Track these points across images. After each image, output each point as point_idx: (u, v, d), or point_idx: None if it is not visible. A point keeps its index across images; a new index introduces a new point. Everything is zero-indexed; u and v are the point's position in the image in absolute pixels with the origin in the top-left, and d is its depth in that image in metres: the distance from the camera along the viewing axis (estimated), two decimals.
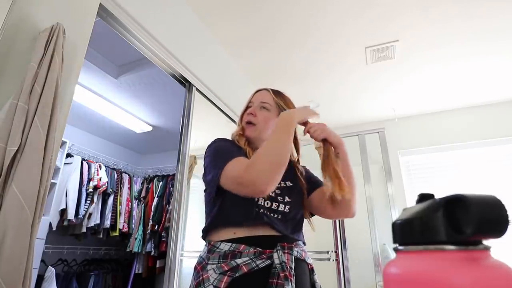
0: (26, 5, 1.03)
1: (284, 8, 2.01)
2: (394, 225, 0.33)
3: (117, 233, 3.25)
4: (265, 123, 0.98)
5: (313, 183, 1.01)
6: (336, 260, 2.07)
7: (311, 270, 0.88)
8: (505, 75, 2.66)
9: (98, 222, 3.06)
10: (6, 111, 0.87)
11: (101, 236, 3.16)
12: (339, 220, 2.18)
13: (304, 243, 0.93)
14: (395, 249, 0.32)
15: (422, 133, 3.30)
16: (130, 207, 3.49)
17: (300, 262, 0.83)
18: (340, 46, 2.36)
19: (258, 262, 0.76)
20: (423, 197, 0.33)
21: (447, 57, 2.44)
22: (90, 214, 3.00)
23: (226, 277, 0.73)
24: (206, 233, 0.88)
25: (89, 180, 3.07)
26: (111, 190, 3.26)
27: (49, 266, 2.70)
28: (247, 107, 1.04)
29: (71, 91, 1.16)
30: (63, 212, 2.80)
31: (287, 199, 0.90)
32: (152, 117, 3.38)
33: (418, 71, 2.63)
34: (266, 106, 1.00)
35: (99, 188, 3.09)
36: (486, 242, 0.28)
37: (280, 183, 0.91)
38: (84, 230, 2.96)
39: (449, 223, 0.28)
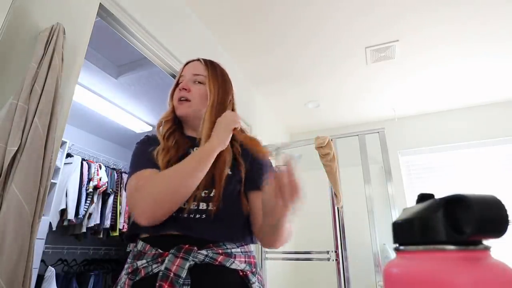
0: (26, 5, 1.03)
1: (283, 7, 2.01)
2: (394, 225, 0.33)
3: (117, 233, 3.24)
4: (201, 98, 0.83)
5: (251, 179, 0.80)
6: (336, 260, 2.07)
7: (245, 278, 0.69)
8: (504, 76, 2.66)
9: (98, 222, 3.05)
10: (6, 111, 0.87)
11: (101, 236, 3.16)
12: (339, 220, 2.18)
13: (243, 244, 0.74)
14: (395, 249, 0.32)
15: (422, 133, 3.30)
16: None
17: (214, 268, 0.66)
18: (340, 47, 2.36)
19: (154, 266, 0.65)
20: (423, 197, 0.33)
21: (447, 57, 2.44)
22: (90, 214, 3.00)
23: (127, 279, 0.67)
24: (130, 232, 0.78)
25: (89, 180, 3.07)
26: (111, 190, 3.26)
27: (49, 266, 2.70)
28: (177, 83, 0.88)
29: (71, 91, 1.16)
30: (63, 212, 2.80)
31: (213, 193, 0.74)
32: (152, 117, 3.38)
33: (418, 71, 2.63)
34: (200, 79, 0.85)
35: (99, 188, 3.09)
36: (486, 242, 0.28)
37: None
38: (84, 230, 2.96)
39: (449, 223, 0.28)
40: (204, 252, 0.66)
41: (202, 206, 0.72)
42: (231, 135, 0.76)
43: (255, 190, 0.79)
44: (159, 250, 0.67)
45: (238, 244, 0.73)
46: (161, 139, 0.81)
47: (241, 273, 0.69)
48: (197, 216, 0.71)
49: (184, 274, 0.62)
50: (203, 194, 0.73)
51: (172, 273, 0.62)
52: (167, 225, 0.69)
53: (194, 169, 0.69)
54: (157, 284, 0.61)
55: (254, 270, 0.72)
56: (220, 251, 0.68)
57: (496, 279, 0.26)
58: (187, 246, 0.66)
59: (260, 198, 0.76)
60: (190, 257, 0.65)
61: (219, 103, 0.83)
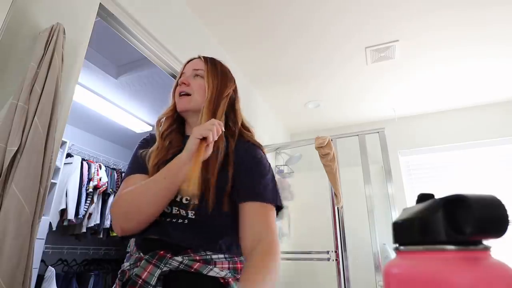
0: (26, 5, 1.03)
1: (284, 9, 2.01)
2: (394, 225, 0.33)
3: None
4: (201, 92, 0.81)
5: (244, 189, 0.73)
6: (336, 260, 2.07)
7: (226, 286, 0.66)
8: (504, 76, 2.66)
9: (98, 222, 3.06)
10: (6, 111, 0.87)
11: (101, 236, 3.16)
12: (339, 220, 2.18)
13: (226, 250, 0.70)
14: (395, 249, 0.32)
15: (422, 133, 3.30)
16: None
17: (189, 276, 0.64)
18: (340, 47, 2.36)
19: (135, 269, 0.65)
20: (423, 197, 0.33)
21: (447, 58, 2.44)
22: (90, 214, 3.00)
23: (118, 280, 0.69)
24: None
25: (89, 180, 3.07)
26: (111, 190, 3.26)
27: (49, 266, 2.70)
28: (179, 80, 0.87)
29: (71, 91, 1.16)
30: (63, 212, 2.80)
31: (194, 201, 0.70)
32: (152, 117, 3.38)
33: (418, 71, 2.63)
34: (200, 73, 0.84)
35: (99, 188, 3.09)
36: (486, 242, 0.28)
37: None
38: (84, 230, 2.96)
39: (449, 223, 0.27)
40: (179, 258, 0.64)
41: (183, 212, 0.70)
42: (197, 146, 0.67)
43: (247, 202, 0.71)
44: (141, 253, 0.67)
45: (221, 251, 0.69)
46: (158, 137, 0.80)
47: (222, 281, 0.66)
48: (179, 221, 0.70)
49: (153, 282, 0.61)
50: (184, 200, 0.70)
51: (141, 280, 0.62)
52: (149, 228, 0.69)
53: (167, 183, 0.68)
54: None
55: (239, 276, 0.68)
56: (198, 257, 0.65)
57: (496, 279, 0.26)
58: (162, 252, 0.65)
59: (253, 209, 0.71)
60: (162, 264, 0.63)
61: (217, 97, 0.81)
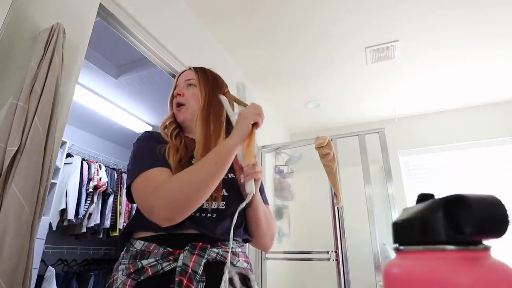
0: (26, 5, 1.03)
1: (285, 9, 2.01)
2: (394, 225, 0.33)
3: (117, 233, 3.25)
4: (195, 100, 0.87)
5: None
6: (336, 260, 2.07)
7: (246, 278, 0.74)
8: (504, 76, 2.66)
9: (98, 222, 3.05)
10: (6, 111, 0.87)
11: (101, 236, 3.16)
12: (339, 220, 2.18)
13: (245, 241, 0.82)
14: (395, 249, 0.32)
15: (422, 133, 3.30)
16: (130, 207, 3.49)
17: (222, 266, 0.68)
18: (340, 47, 2.36)
19: (164, 264, 0.65)
20: (423, 197, 0.33)
21: (447, 58, 2.44)
22: (90, 214, 3.00)
23: (130, 279, 0.65)
24: (128, 230, 0.77)
25: (89, 180, 3.07)
26: (111, 190, 3.26)
27: (49, 266, 2.70)
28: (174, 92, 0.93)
29: (71, 91, 1.16)
30: (63, 212, 2.80)
31: (224, 193, 0.77)
32: (152, 117, 3.38)
33: (418, 71, 2.63)
34: (192, 82, 0.90)
35: (99, 188, 3.09)
36: (486, 242, 0.28)
37: None
38: (84, 230, 2.96)
39: (449, 223, 0.28)
40: (215, 250, 0.70)
41: (214, 205, 0.75)
42: (249, 131, 0.70)
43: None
44: (168, 248, 0.68)
45: (239, 244, 0.79)
46: (168, 138, 0.83)
47: (243, 271, 0.74)
48: (208, 215, 0.74)
49: (200, 271, 0.65)
50: (214, 194, 0.74)
51: (190, 270, 0.64)
52: (180, 223, 0.68)
53: (219, 168, 0.68)
54: (177, 279, 0.62)
55: (252, 269, 0.78)
56: (228, 249, 0.71)
57: (496, 279, 0.26)
58: (201, 244, 0.68)
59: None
60: (205, 254, 0.67)
61: (210, 102, 0.86)
